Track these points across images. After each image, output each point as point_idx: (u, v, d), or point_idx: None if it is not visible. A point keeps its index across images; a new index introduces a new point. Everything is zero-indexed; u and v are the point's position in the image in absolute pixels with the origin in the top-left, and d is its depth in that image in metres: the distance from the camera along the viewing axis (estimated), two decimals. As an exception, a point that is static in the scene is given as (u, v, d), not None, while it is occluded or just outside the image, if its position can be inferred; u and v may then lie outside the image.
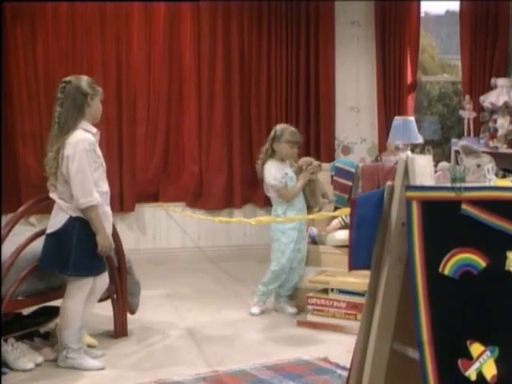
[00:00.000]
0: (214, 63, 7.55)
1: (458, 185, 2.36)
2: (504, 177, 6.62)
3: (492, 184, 2.43)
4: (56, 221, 4.20)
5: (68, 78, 4.27)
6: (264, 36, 7.62)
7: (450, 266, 2.36)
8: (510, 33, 7.16)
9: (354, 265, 2.60)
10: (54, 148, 4.14)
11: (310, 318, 5.22)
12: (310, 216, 5.51)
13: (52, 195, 4.25)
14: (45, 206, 4.69)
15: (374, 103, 7.69)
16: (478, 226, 2.37)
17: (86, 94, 4.22)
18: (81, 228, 4.15)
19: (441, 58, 9.83)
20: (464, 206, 2.37)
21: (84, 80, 4.29)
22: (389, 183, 2.51)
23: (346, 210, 5.45)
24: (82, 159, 4.08)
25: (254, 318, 5.39)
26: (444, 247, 2.36)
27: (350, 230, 2.54)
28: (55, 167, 4.13)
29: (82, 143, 4.10)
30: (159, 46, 7.44)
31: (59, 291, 4.43)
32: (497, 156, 6.22)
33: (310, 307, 5.25)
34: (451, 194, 2.37)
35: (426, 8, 8.37)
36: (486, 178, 2.43)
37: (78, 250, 4.15)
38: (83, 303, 4.32)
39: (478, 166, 5.92)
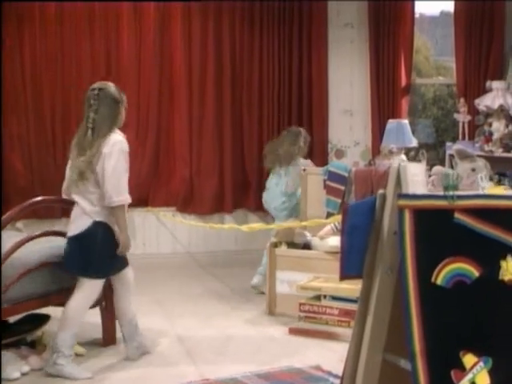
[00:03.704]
0: (205, 65, 7.58)
1: (450, 193, 2.37)
2: (499, 181, 6.64)
3: (485, 192, 2.44)
4: (79, 224, 4.33)
5: (99, 85, 4.39)
6: (256, 38, 7.66)
7: (442, 275, 2.37)
8: (505, 35, 7.18)
9: (345, 273, 2.60)
10: (88, 152, 4.25)
11: (303, 325, 5.21)
12: (303, 223, 5.52)
13: (76, 198, 4.35)
14: (32, 212, 4.71)
15: (368, 106, 7.73)
16: (471, 235, 2.38)
17: (118, 102, 4.38)
18: (104, 232, 4.31)
19: (436, 60, 9.84)
20: (457, 215, 2.38)
21: (114, 87, 4.42)
22: (381, 191, 2.51)
23: (338, 218, 5.46)
24: (119, 158, 4.26)
25: (245, 325, 5.38)
26: (437, 256, 2.37)
27: (342, 238, 2.54)
28: (89, 170, 4.25)
29: (120, 144, 4.30)
30: (149, 47, 7.46)
31: (48, 298, 4.43)
32: (492, 160, 6.21)
33: (302, 314, 5.24)
34: (444, 203, 2.38)
35: (420, 9, 8.40)
36: (479, 185, 2.43)
37: (100, 253, 4.32)
38: (87, 308, 4.45)
39: (473, 170, 5.94)
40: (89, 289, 4.40)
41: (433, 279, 2.37)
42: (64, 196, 4.52)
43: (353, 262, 2.58)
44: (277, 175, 6.48)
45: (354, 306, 4.77)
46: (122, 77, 7.31)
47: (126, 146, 4.34)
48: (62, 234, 4.64)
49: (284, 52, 7.68)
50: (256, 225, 5.70)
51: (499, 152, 6.69)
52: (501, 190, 2.46)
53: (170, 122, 7.60)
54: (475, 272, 2.37)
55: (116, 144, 4.27)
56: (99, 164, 4.23)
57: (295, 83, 7.70)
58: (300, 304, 5.24)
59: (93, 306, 4.69)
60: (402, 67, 7.64)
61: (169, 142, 7.58)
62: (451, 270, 2.38)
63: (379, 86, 7.62)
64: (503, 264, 2.37)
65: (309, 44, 7.71)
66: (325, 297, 5.19)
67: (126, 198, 4.32)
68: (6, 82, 6.93)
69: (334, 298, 5.15)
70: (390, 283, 2.54)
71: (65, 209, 6.59)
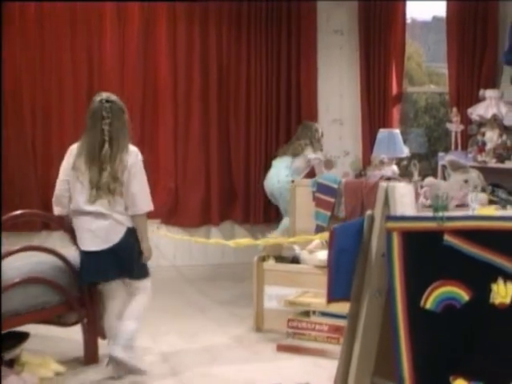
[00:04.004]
0: (191, 72, 7.57)
1: (440, 214, 2.39)
2: (493, 192, 6.68)
3: (475, 213, 2.46)
4: (114, 235, 4.53)
5: (107, 97, 4.56)
6: (243, 44, 7.68)
7: (432, 299, 2.39)
8: (498, 42, 7.20)
9: (332, 297, 2.62)
10: (110, 165, 4.45)
11: (291, 341, 5.22)
12: (291, 239, 5.56)
13: (101, 209, 4.49)
14: (13, 224, 4.72)
15: (358, 115, 7.74)
16: (461, 258, 2.40)
17: (125, 113, 4.62)
18: (136, 237, 4.60)
19: (428, 66, 9.90)
20: (446, 237, 2.40)
21: (118, 98, 4.65)
22: (369, 212, 2.53)
23: (327, 234, 5.49)
24: (142, 167, 4.58)
25: (232, 343, 5.38)
26: (426, 280, 2.39)
27: (329, 260, 2.56)
28: (118, 183, 4.46)
29: (140, 155, 4.61)
30: (133, 51, 7.43)
31: (28, 315, 4.42)
32: (485, 171, 6.26)
33: (290, 330, 5.25)
34: (433, 224, 2.40)
35: (412, 14, 8.45)
36: (470, 206, 2.45)
37: (138, 257, 4.61)
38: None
39: (466, 181, 5.97)
40: (148, 289, 4.74)
41: (422, 303, 2.39)
42: (56, 210, 4.62)
43: (340, 284, 2.59)
44: (280, 159, 7.17)
45: (343, 322, 4.75)
46: (104, 83, 7.22)
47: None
48: (43, 249, 4.65)
49: (272, 59, 7.70)
50: (243, 240, 5.69)
51: (492, 162, 6.70)
52: (491, 211, 2.48)
53: (154, 130, 7.57)
54: (465, 296, 2.39)
55: (138, 154, 4.57)
56: (125, 175, 4.46)
57: (283, 91, 7.71)
58: (288, 320, 5.25)
59: (73, 323, 4.68)
60: (393, 75, 7.66)
61: (153, 152, 7.51)
62: (440, 293, 2.40)
63: (370, 94, 7.64)
64: (494, 287, 2.40)
65: (297, 51, 7.73)
66: (314, 312, 5.20)
67: (152, 206, 4.66)
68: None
69: (324, 314, 5.16)
70: (378, 306, 2.55)
71: (45, 222, 6.63)
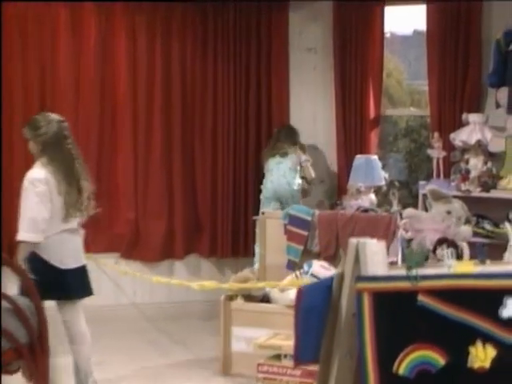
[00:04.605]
0: (152, 90, 7.58)
1: (414, 272, 2.42)
2: (477, 224, 6.75)
3: (451, 271, 2.49)
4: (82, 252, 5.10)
5: (59, 117, 5.03)
6: (209, 61, 7.72)
7: (405, 364, 2.41)
8: (482, 62, 7.27)
9: (300, 359, 2.63)
10: (83, 184, 4.99)
11: (261, 388, 5.23)
12: (260, 284, 5.62)
13: (79, 228, 5.07)
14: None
15: (333, 140, 7.77)
16: (437, 319, 2.43)
17: None
18: None
19: (409, 84, 9.98)
20: (421, 297, 2.43)
21: None
22: (338, 270, 2.56)
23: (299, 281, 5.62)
24: None
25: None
26: (399, 343, 2.41)
27: (296, 320, 2.58)
28: (87, 200, 5.02)
29: None
30: (89, 68, 7.43)
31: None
32: (469, 200, 6.32)
33: (260, 375, 5.25)
34: (406, 284, 2.43)
35: (391, 28, 8.51)
36: (445, 263, 2.49)
37: None
38: None
39: (449, 212, 6.07)
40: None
41: (394, 369, 2.42)
42: (36, 236, 4.79)
43: (308, 346, 2.61)
44: (277, 159, 7.32)
45: (317, 367, 4.80)
46: (58, 104, 7.17)
47: None
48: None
49: (241, 77, 7.73)
50: (208, 283, 5.68)
51: (477, 191, 6.74)
52: (469, 267, 2.51)
53: (112, 155, 7.56)
54: (441, 360, 2.42)
55: None
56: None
57: (253, 112, 7.75)
58: (258, 364, 5.26)
59: (14, 372, 4.67)
60: (371, 96, 7.68)
61: (111, 179, 7.53)
62: (414, 358, 2.42)
63: (345, 117, 7.66)
64: (472, 350, 2.42)
65: (268, 69, 7.78)
66: (285, 356, 5.20)
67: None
68: None
69: (296, 358, 5.16)
70: (349, 369, 2.57)
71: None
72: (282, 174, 7.28)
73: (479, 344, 2.46)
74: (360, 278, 2.44)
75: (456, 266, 2.50)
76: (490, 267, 2.55)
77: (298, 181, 7.31)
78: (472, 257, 5.53)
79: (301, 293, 2.58)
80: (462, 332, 2.43)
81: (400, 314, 2.45)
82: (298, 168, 7.36)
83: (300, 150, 7.39)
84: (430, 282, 2.45)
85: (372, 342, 2.43)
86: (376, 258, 2.42)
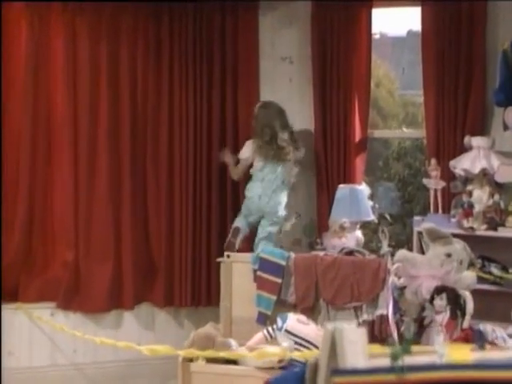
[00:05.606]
0: (97, 108, 7.56)
1: (399, 363, 2.46)
2: (483, 267, 6.81)
3: (443, 361, 2.53)
4: None
5: None
6: (164, 72, 7.70)
7: None
8: (486, 75, 7.34)
9: None
10: None
11: None
12: (221, 353, 5.67)
13: None
14: None
15: (312, 167, 7.81)
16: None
17: None
18: None
19: (402, 94, 10.02)
20: (407, 392, 2.46)
21: None
22: (311, 361, 2.60)
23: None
24: None
25: None
26: None
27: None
28: None
29: None
30: (19, 80, 7.41)
31: None
32: (473, 240, 6.38)
33: None
34: (391, 377, 2.46)
35: (381, 28, 8.54)
36: (437, 351, 2.53)
37: None
38: None
39: (448, 255, 6.15)
40: None
41: None
42: None
43: None
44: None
45: None
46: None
47: None
48: None
49: (202, 91, 7.70)
50: (161, 348, 5.70)
51: (482, 229, 6.77)
52: (465, 354, 2.54)
53: (47, 186, 7.52)
54: None
55: None
56: None
57: (216, 133, 7.74)
58: None
59: None
60: (356, 114, 7.70)
61: (46, 214, 7.47)
62: None
63: (326, 139, 7.66)
64: None
65: (234, 83, 7.80)
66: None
67: None
68: None
69: (266, 432, 5.19)
70: None
71: None
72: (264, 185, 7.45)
73: None
74: (337, 372, 2.47)
75: (449, 354, 2.54)
76: (490, 354, 2.59)
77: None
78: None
79: (268, 386, 2.62)
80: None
81: (382, 413, 2.49)
82: None
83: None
84: (419, 375, 2.48)
85: None
86: (355, 347, 2.46)
